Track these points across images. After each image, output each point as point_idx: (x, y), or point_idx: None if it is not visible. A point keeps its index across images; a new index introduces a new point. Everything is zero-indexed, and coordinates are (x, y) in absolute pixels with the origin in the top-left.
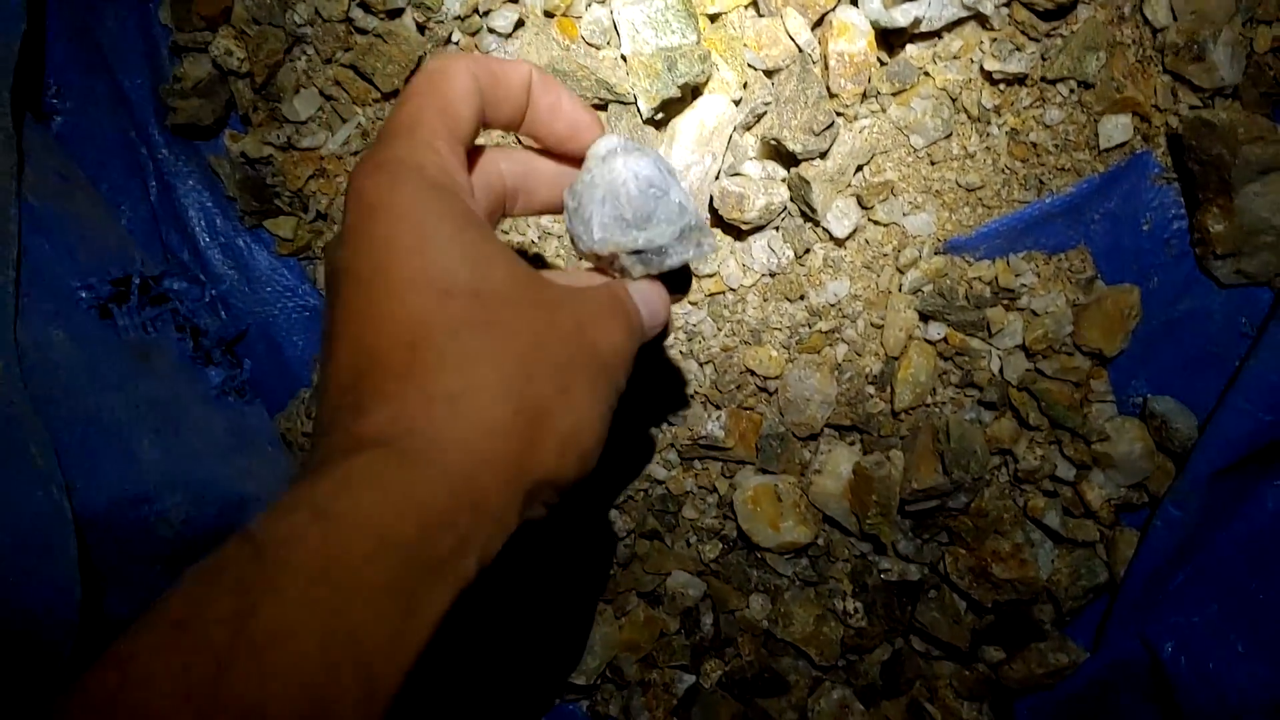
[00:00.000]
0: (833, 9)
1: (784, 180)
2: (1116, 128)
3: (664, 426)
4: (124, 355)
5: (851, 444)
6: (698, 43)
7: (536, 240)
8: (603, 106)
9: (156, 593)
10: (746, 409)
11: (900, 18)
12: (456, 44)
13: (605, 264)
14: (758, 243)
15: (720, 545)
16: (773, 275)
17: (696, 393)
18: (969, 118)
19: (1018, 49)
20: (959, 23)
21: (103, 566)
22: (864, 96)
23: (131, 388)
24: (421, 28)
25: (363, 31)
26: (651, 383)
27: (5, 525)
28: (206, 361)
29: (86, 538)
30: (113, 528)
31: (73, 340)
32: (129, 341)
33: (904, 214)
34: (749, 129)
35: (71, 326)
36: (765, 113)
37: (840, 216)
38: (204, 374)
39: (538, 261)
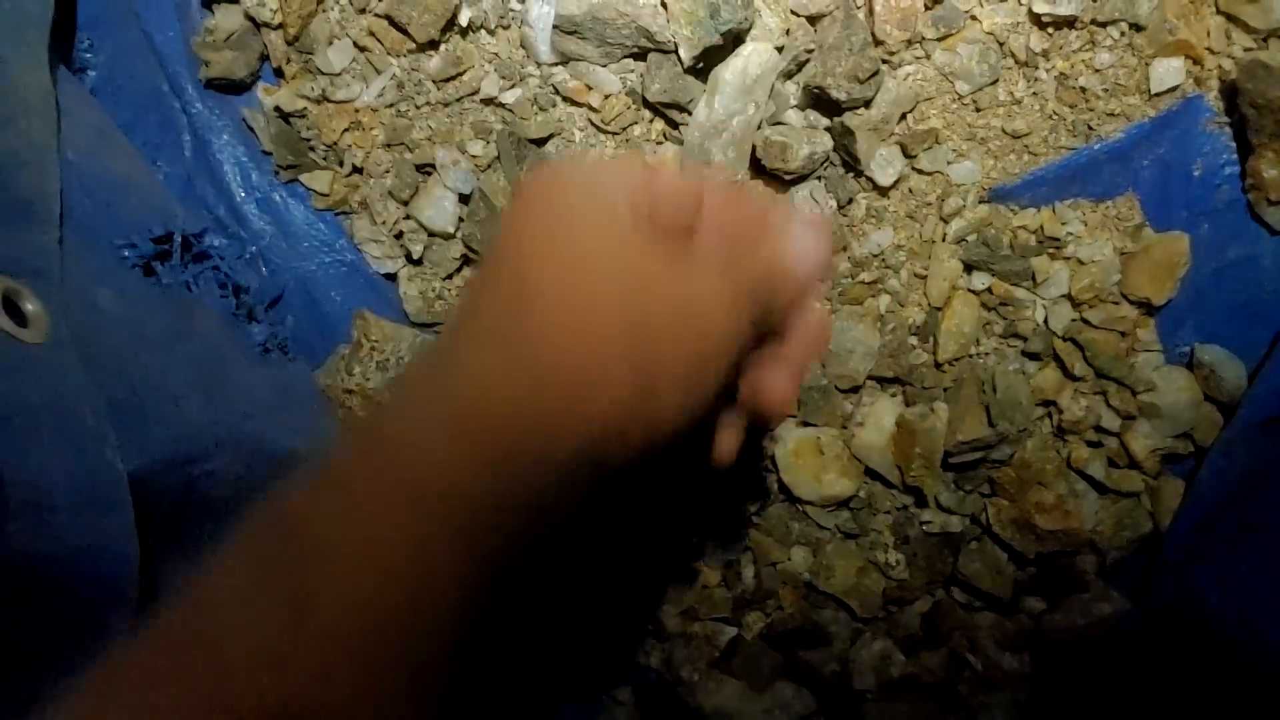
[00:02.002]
0: None
1: (827, 129)
2: (1168, 71)
3: None
4: (169, 314)
5: (894, 396)
6: None
7: None
8: (642, 55)
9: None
10: None
11: None
12: None
13: None
14: (800, 192)
15: (761, 498)
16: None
17: None
18: (1016, 62)
19: None
20: None
21: (154, 526)
22: (909, 43)
23: (178, 347)
24: None
25: None
26: None
27: (60, 487)
28: (249, 318)
29: (137, 498)
30: (164, 488)
31: (119, 299)
32: (173, 300)
33: (948, 162)
34: (790, 77)
35: (117, 285)
36: (808, 60)
37: (884, 165)
38: (247, 331)
39: None
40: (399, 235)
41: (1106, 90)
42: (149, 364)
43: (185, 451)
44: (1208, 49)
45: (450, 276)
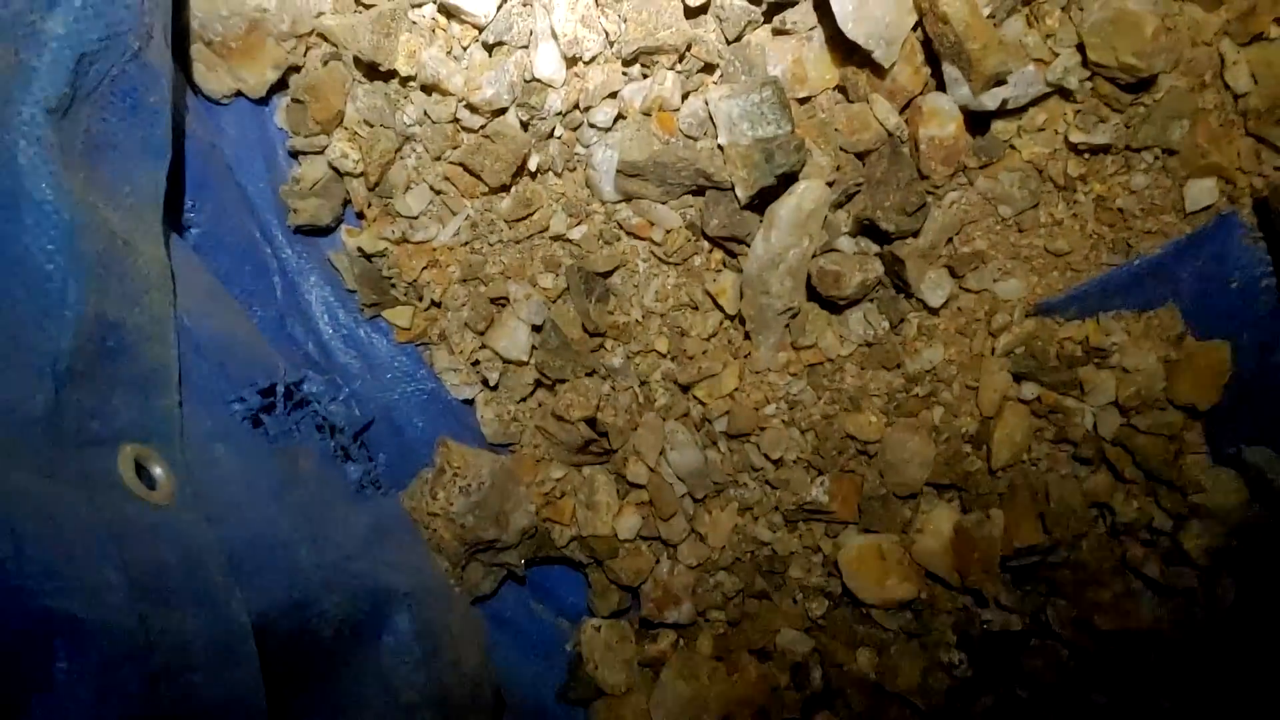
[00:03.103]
0: (920, 93)
1: (877, 254)
2: (1202, 191)
3: (769, 491)
4: (276, 463)
5: (951, 502)
6: (792, 132)
7: None
8: (700, 192)
9: (320, 690)
10: (848, 472)
11: (989, 102)
12: (559, 139)
13: None
14: (854, 315)
15: (826, 602)
16: (869, 345)
17: (799, 458)
18: (1055, 187)
19: (1101, 120)
20: (1043, 97)
21: (273, 672)
22: (953, 174)
23: (286, 495)
24: (525, 125)
25: (469, 130)
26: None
27: (198, 645)
28: (345, 457)
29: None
30: (281, 634)
31: (232, 454)
32: (279, 449)
33: (994, 280)
34: (841, 206)
35: (229, 440)
36: (858, 192)
37: (933, 287)
38: (344, 470)
39: None
40: (475, 364)
41: (1143, 210)
42: (262, 515)
43: (298, 597)
44: (1239, 169)
45: (524, 400)
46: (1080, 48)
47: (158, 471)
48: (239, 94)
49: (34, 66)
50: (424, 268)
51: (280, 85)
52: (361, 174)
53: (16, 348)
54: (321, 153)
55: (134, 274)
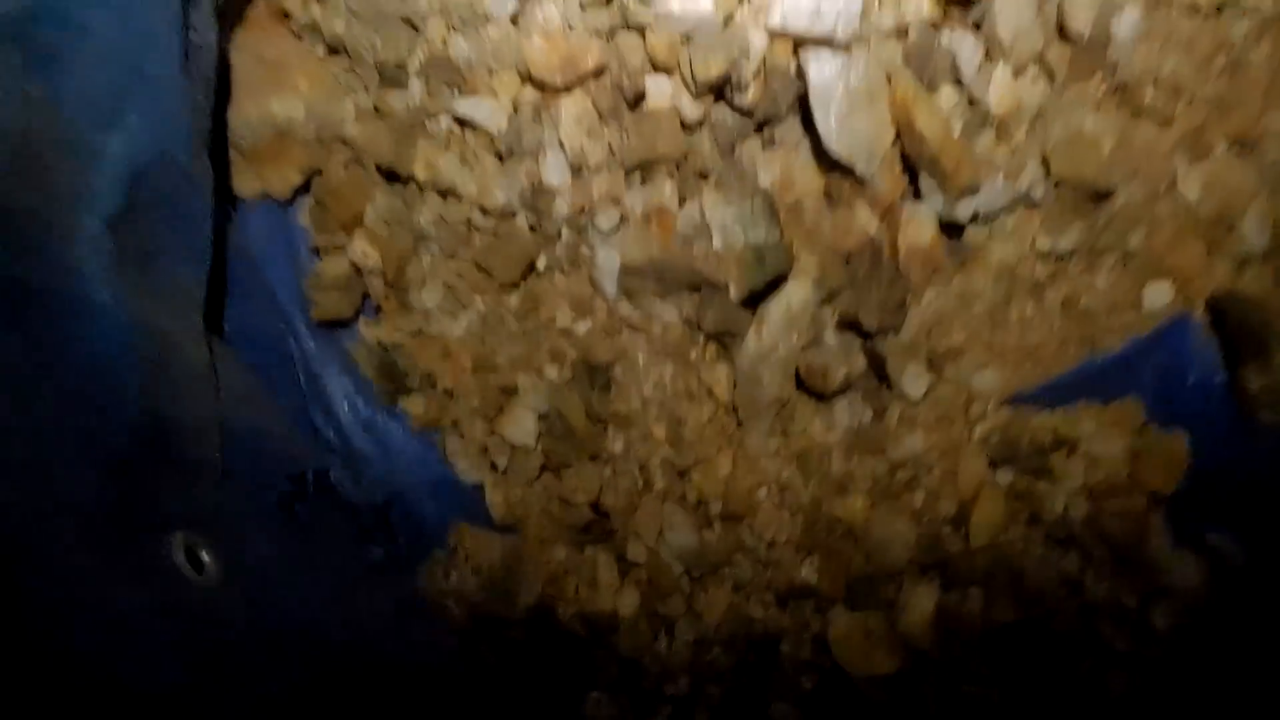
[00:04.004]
0: (899, 201)
1: (861, 349)
2: (1159, 293)
3: (761, 570)
4: (307, 547)
5: (932, 581)
6: (781, 237)
7: None
8: (696, 289)
9: None
10: (835, 553)
11: (962, 210)
12: (565, 240)
13: None
14: (839, 405)
15: (816, 676)
16: (854, 433)
17: (789, 539)
18: (1025, 288)
19: (1066, 227)
20: (1013, 206)
21: None
22: (932, 275)
23: (317, 577)
24: (533, 227)
25: (482, 231)
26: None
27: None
28: (369, 540)
29: None
30: (314, 704)
31: (267, 538)
32: (308, 533)
33: (970, 373)
34: (826, 303)
35: (265, 526)
36: (842, 291)
37: (913, 379)
38: (367, 551)
39: None
40: (485, 449)
41: (1106, 309)
42: (296, 596)
43: (332, 675)
44: (1193, 273)
45: (530, 483)
46: (1045, 162)
47: (205, 557)
48: (265, 194)
49: (95, 183)
50: (437, 359)
51: (304, 187)
52: (380, 271)
53: (81, 443)
54: (342, 250)
55: (181, 372)
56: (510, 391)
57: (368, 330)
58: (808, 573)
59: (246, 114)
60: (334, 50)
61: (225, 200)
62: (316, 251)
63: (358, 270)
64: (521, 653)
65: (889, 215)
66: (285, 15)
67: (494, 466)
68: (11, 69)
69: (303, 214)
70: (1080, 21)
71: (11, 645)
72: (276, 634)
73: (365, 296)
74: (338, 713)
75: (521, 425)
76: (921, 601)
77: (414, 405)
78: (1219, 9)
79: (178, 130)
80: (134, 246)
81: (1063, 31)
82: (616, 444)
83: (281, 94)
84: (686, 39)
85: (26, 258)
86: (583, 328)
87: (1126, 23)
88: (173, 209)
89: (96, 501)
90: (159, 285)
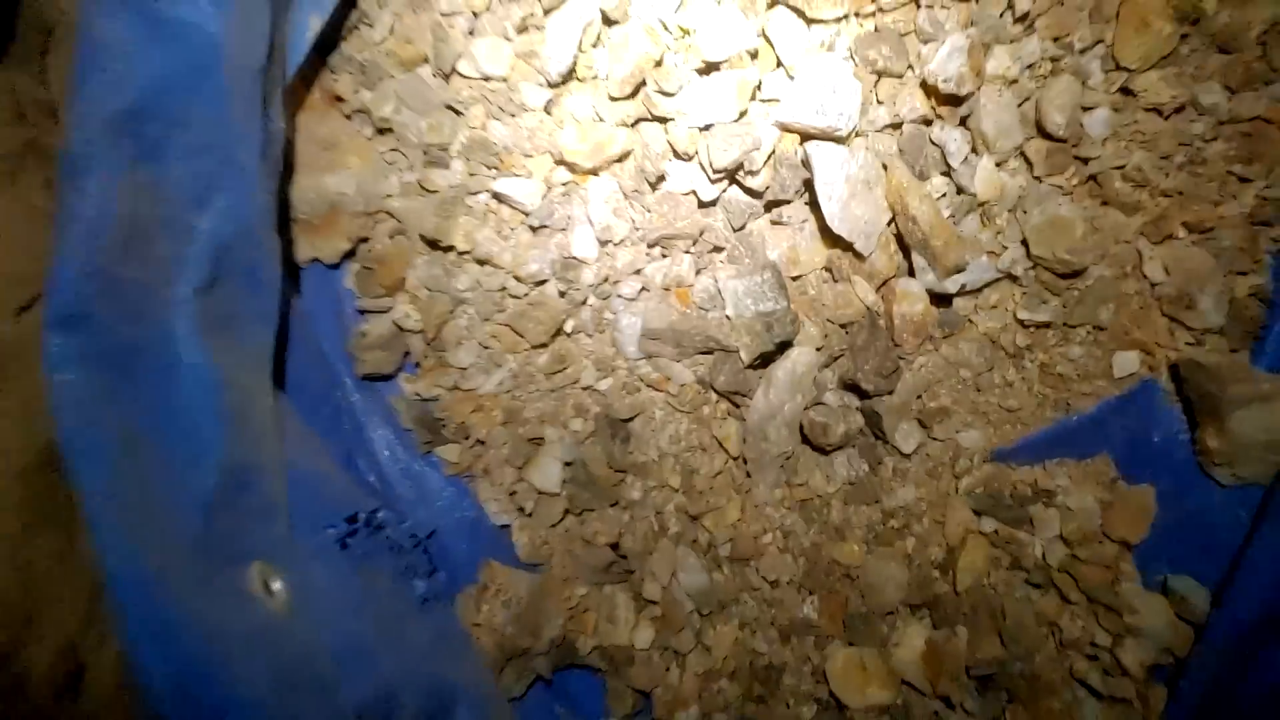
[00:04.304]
0: (893, 276)
1: (858, 408)
2: (1127, 361)
3: (766, 608)
4: (360, 580)
5: (922, 619)
6: (788, 307)
7: None
8: (709, 352)
9: None
10: (834, 593)
11: (950, 286)
12: (591, 306)
13: None
14: (839, 459)
15: (815, 706)
16: (852, 484)
17: (792, 580)
18: (1007, 355)
19: (1043, 301)
20: (995, 282)
21: None
22: (921, 343)
23: (369, 607)
24: (562, 294)
25: (515, 297)
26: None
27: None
28: (414, 575)
29: None
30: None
31: (326, 572)
32: (362, 568)
33: (957, 431)
34: (827, 366)
35: (325, 560)
36: (842, 355)
37: (905, 436)
38: (412, 586)
39: None
40: (513, 494)
41: (1079, 375)
42: (352, 625)
43: (383, 694)
44: (1157, 343)
45: (554, 526)
46: (1024, 243)
47: (277, 585)
48: (315, 260)
49: (187, 256)
50: (471, 411)
51: (350, 254)
52: (420, 331)
53: (175, 486)
54: (386, 312)
55: (256, 422)
56: (538, 442)
57: (408, 385)
58: (808, 611)
59: (304, 188)
60: (381, 131)
61: (286, 267)
62: (361, 313)
63: (400, 330)
64: (541, 681)
65: (885, 289)
66: (338, 99)
67: (521, 510)
68: (124, 158)
69: (349, 278)
70: (1056, 120)
71: (117, 660)
72: (337, 658)
73: (406, 354)
74: None
75: (547, 473)
76: (912, 638)
77: (449, 453)
78: (1179, 110)
79: (255, 208)
80: (217, 311)
81: (1041, 128)
82: (635, 491)
83: (334, 170)
84: (705, 129)
85: (133, 323)
86: (605, 385)
87: (1097, 122)
88: (248, 277)
89: (189, 534)
90: (236, 344)
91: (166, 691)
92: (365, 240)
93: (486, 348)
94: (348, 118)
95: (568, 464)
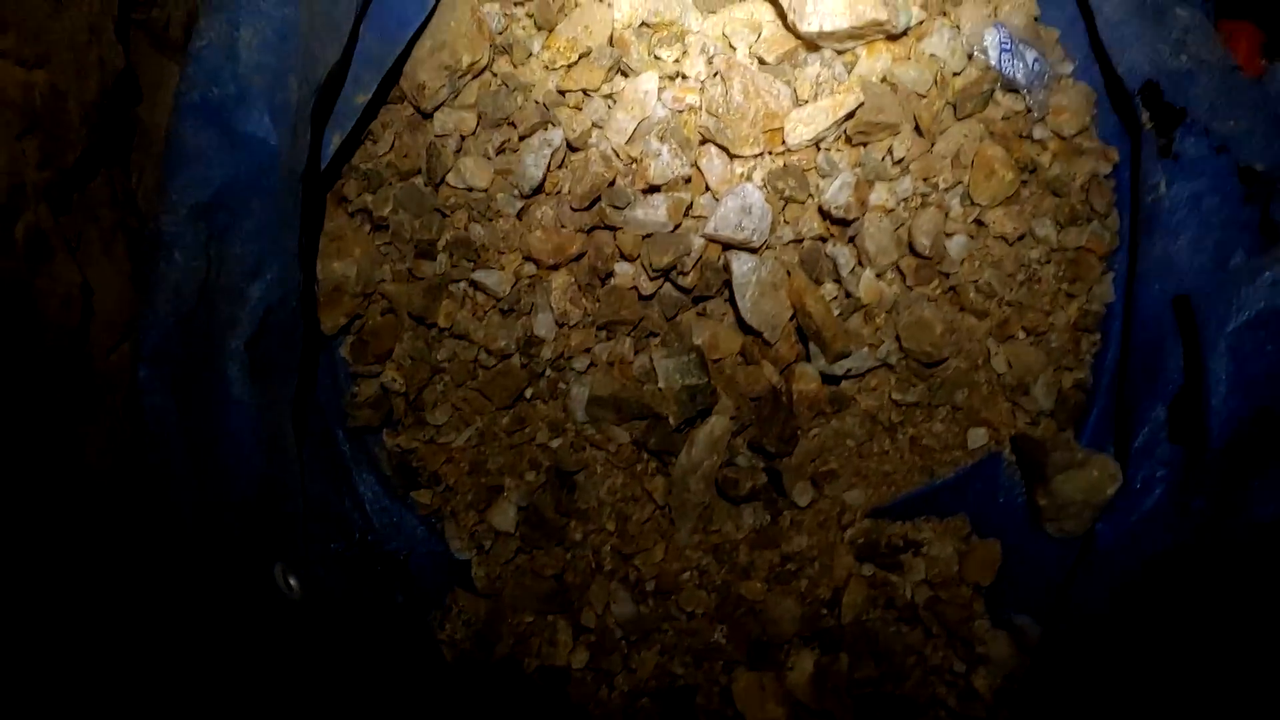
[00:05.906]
0: (793, 361)
1: (764, 468)
2: (978, 436)
3: (684, 636)
4: (355, 585)
5: (813, 648)
6: (709, 383)
7: None
8: (644, 417)
9: None
10: (740, 624)
11: (838, 370)
12: (548, 377)
13: None
14: (746, 509)
15: None
16: (757, 532)
17: (705, 612)
18: (883, 428)
19: (913, 385)
20: (874, 369)
21: None
22: (814, 416)
23: (364, 609)
24: (524, 366)
25: (485, 367)
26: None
27: None
28: (394, 586)
29: None
30: None
31: (331, 577)
32: (357, 576)
33: (844, 490)
34: (739, 434)
35: (330, 568)
36: (751, 424)
37: (802, 493)
38: (394, 594)
39: None
40: (474, 534)
41: (942, 447)
42: (352, 620)
43: (376, 683)
44: (1001, 422)
45: (508, 562)
46: (898, 338)
47: (293, 582)
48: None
49: (240, 317)
50: (443, 462)
51: (346, 328)
52: (404, 393)
53: (223, 491)
54: (375, 377)
55: (284, 450)
56: (497, 490)
57: (390, 438)
58: (718, 638)
59: (316, 271)
60: (380, 227)
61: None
62: (353, 377)
63: (386, 392)
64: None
65: (787, 371)
66: (344, 200)
67: (480, 548)
68: (200, 240)
69: (344, 347)
70: (923, 243)
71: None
72: (347, 644)
73: (389, 412)
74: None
75: (505, 516)
76: (804, 663)
77: (423, 497)
78: (1020, 238)
79: (293, 280)
80: (260, 361)
81: (912, 248)
82: (577, 534)
83: (340, 258)
84: (646, 238)
85: (200, 364)
86: (556, 443)
87: (956, 245)
88: (283, 336)
89: (230, 534)
90: (271, 388)
91: (207, 657)
92: (360, 316)
93: (458, 409)
94: (351, 215)
95: (522, 508)
